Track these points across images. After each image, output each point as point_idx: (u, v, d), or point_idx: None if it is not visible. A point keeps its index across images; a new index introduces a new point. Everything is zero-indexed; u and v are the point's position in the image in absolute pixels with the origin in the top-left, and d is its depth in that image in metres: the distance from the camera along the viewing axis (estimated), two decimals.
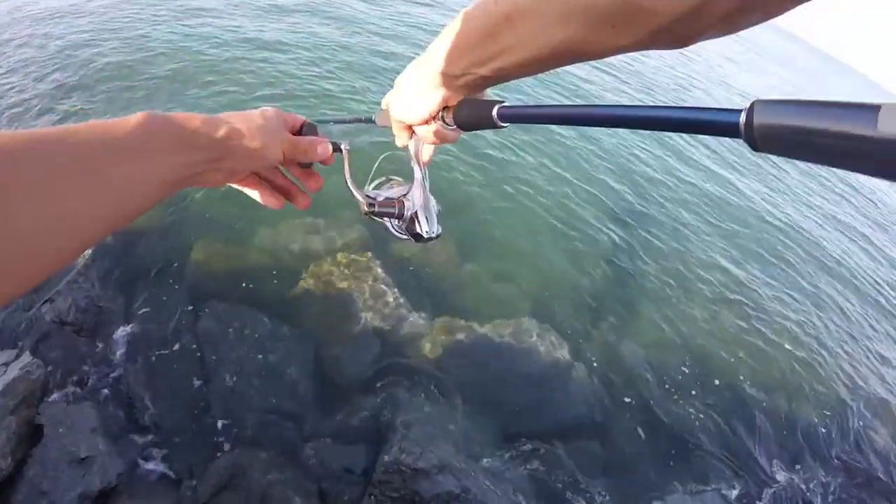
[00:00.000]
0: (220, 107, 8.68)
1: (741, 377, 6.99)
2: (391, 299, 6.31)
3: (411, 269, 6.77)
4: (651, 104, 0.72)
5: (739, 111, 0.53)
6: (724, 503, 5.53)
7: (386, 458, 4.56)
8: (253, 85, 9.46)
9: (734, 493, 5.68)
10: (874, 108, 0.42)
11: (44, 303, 5.71)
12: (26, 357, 4.88)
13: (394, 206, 1.17)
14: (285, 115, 1.05)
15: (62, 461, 4.47)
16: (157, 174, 0.74)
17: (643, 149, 11.98)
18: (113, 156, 0.68)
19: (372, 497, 4.48)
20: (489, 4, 0.78)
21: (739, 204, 11.45)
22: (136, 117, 0.74)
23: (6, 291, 0.59)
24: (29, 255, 0.59)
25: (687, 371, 6.72)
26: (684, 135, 13.04)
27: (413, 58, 1.02)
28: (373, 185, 1.25)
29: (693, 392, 6.51)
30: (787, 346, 7.81)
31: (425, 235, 1.18)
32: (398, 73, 1.05)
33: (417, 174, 1.17)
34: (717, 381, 6.78)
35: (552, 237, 8.02)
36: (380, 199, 1.18)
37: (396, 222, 1.20)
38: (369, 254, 6.64)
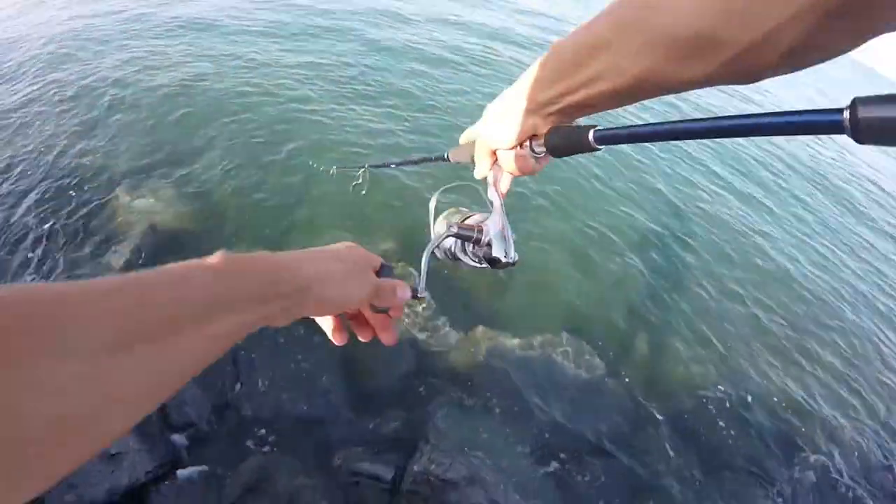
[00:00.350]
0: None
1: (777, 399, 6.63)
2: (425, 310, 6.23)
3: (446, 279, 6.68)
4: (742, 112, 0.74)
5: (841, 109, 0.59)
6: None
7: (415, 467, 4.44)
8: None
9: None
10: None
11: None
12: None
13: (472, 230, 1.20)
14: (368, 254, 1.05)
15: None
16: (234, 330, 0.65)
17: (688, 165, 11.79)
18: (193, 316, 0.60)
19: None
20: (578, 35, 0.83)
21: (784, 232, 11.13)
22: (214, 263, 0.67)
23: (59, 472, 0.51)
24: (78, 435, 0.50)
25: (722, 390, 6.43)
26: (725, 156, 13.02)
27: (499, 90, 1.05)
28: (443, 215, 1.31)
29: (728, 412, 6.20)
30: (828, 373, 7.45)
31: (503, 260, 1.19)
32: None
33: (497, 202, 1.20)
34: (751, 401, 6.46)
35: (589, 251, 7.85)
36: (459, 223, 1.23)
37: (473, 248, 1.24)
38: (403, 264, 6.59)
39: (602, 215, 8.79)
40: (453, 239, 1.24)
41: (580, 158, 9.78)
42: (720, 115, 0.75)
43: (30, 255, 6.46)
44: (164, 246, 6.53)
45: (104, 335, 0.50)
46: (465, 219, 1.27)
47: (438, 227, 1.25)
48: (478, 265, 1.25)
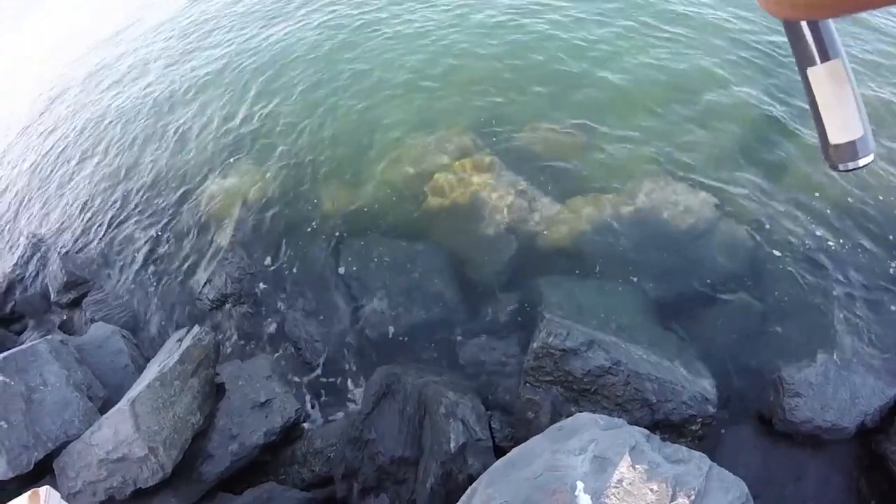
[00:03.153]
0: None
1: None
2: (514, 192, 6.08)
3: (532, 157, 6.48)
4: None
5: None
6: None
7: (535, 344, 4.38)
8: None
9: None
10: None
11: (203, 286, 6.20)
12: (196, 329, 5.26)
13: None
14: None
15: (245, 408, 4.80)
16: None
17: None
18: None
19: (527, 385, 4.34)
20: None
21: None
22: None
23: None
24: None
25: (847, 211, 5.59)
26: None
27: None
28: None
29: (855, 234, 5.42)
30: None
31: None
32: None
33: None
34: (886, 220, 5.57)
35: (673, 95, 7.17)
36: None
37: None
38: (486, 153, 6.47)
39: (686, 48, 7.99)
40: None
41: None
42: None
43: (148, 233, 7.10)
44: (258, 217, 6.80)
45: None
46: None
47: None
48: None
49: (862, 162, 0.94)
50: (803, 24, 0.91)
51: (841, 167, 0.94)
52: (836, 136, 0.93)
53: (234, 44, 11.00)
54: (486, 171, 6.30)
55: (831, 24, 0.91)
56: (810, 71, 0.93)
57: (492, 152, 6.53)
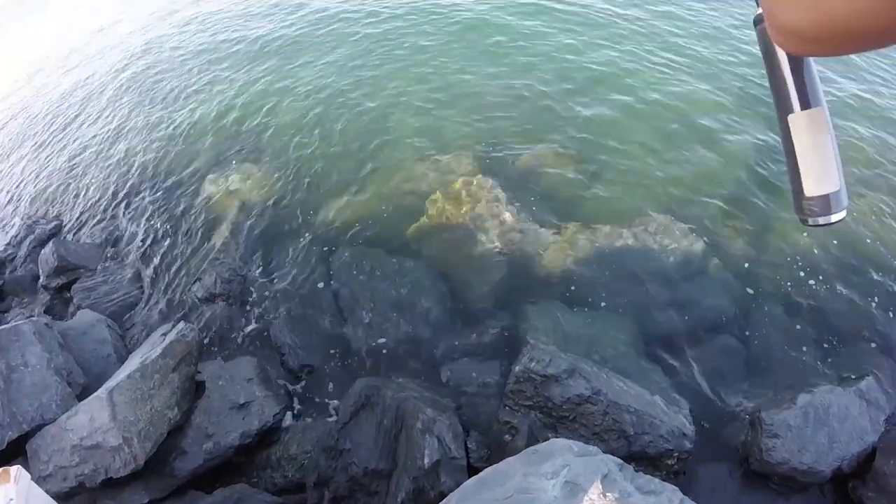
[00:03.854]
0: None
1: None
2: (512, 217, 6.12)
3: (528, 184, 6.55)
4: None
5: None
6: (880, 392, 4.63)
7: (516, 368, 4.40)
8: None
9: (892, 388, 4.75)
10: None
11: (193, 283, 6.21)
12: (182, 325, 5.26)
13: None
14: None
15: (224, 408, 4.79)
16: None
17: None
18: None
19: (506, 407, 4.37)
20: None
21: None
22: None
23: None
24: None
25: (831, 259, 5.70)
26: None
27: None
28: None
29: (837, 282, 5.49)
30: None
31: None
32: None
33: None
34: (867, 267, 5.65)
35: (676, 131, 7.26)
36: None
37: None
38: (484, 178, 6.51)
39: (688, 90, 8.10)
40: None
41: (650, 28, 9.08)
42: None
43: (142, 227, 7.18)
44: (254, 220, 6.84)
45: None
46: None
47: None
48: None
49: (834, 217, 0.92)
50: (786, 68, 0.91)
51: (811, 221, 0.93)
52: (811, 188, 0.92)
53: (242, 46, 11.10)
54: (481, 194, 6.34)
55: (815, 71, 0.91)
56: (791, 118, 0.92)
57: (489, 175, 6.58)
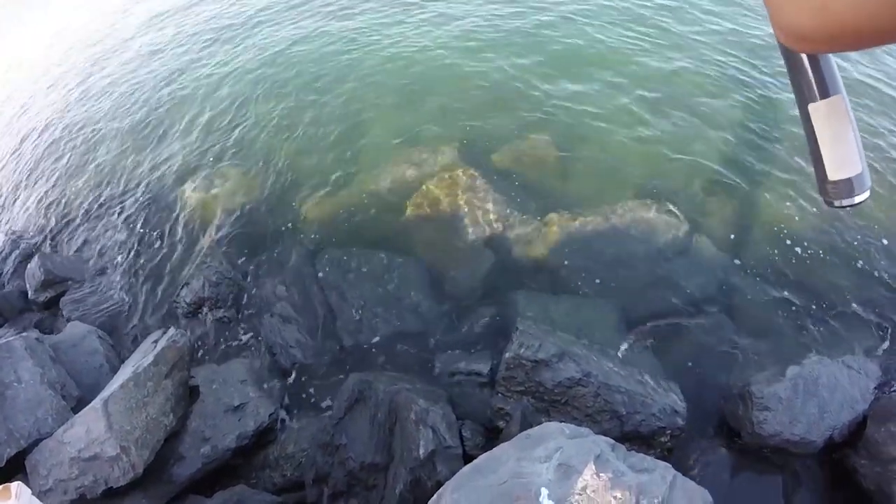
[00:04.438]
0: None
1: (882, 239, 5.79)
2: (495, 208, 6.16)
3: (512, 175, 6.56)
4: None
5: None
6: (868, 361, 4.69)
7: (507, 355, 4.44)
8: None
9: (879, 356, 4.82)
10: None
11: (181, 289, 6.20)
12: (172, 331, 5.27)
13: None
14: None
15: (219, 411, 4.81)
16: None
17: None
18: None
19: (499, 394, 4.41)
20: None
21: None
22: None
23: None
24: None
25: (815, 232, 5.72)
26: None
27: None
28: None
29: (821, 254, 5.55)
30: None
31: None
32: None
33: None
34: (850, 238, 5.72)
35: (655, 111, 7.26)
36: None
37: None
38: (466, 170, 6.54)
39: (657, 67, 8.10)
40: None
41: (619, 12, 9.08)
42: None
43: (128, 235, 7.20)
44: (238, 222, 6.85)
45: None
46: None
47: None
48: None
49: (858, 199, 0.96)
50: (805, 59, 0.92)
51: (836, 203, 0.96)
52: (834, 173, 0.95)
53: (229, 50, 11.04)
54: (466, 186, 6.37)
55: (833, 60, 0.93)
56: (811, 107, 0.94)
57: (473, 168, 6.60)
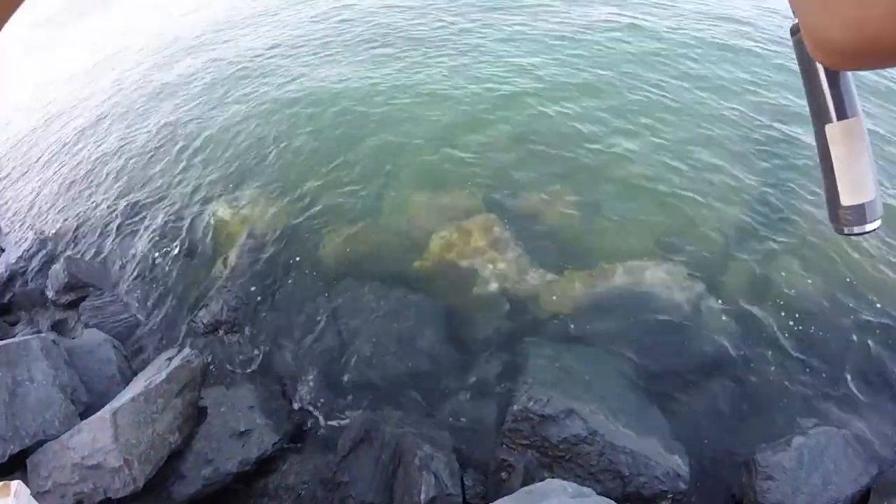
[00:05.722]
0: None
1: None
2: (514, 257, 6.24)
3: (533, 225, 6.67)
4: None
5: None
6: (874, 434, 4.68)
7: (515, 407, 4.49)
8: None
9: (885, 429, 4.80)
10: None
11: (199, 309, 6.29)
12: (187, 351, 5.35)
13: None
14: None
15: (224, 435, 4.85)
16: None
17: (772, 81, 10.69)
18: None
19: (503, 446, 4.44)
20: None
21: None
22: None
23: None
24: None
25: (826, 300, 5.80)
26: None
27: None
28: None
29: (833, 324, 5.58)
30: None
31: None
32: None
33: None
34: (862, 309, 5.73)
35: (675, 176, 7.34)
36: None
37: None
38: (487, 216, 6.65)
39: (686, 134, 8.19)
40: None
41: (651, 73, 9.26)
42: None
43: (153, 249, 7.35)
44: (261, 248, 6.99)
45: None
46: None
47: None
48: None
49: (869, 227, 0.92)
50: (823, 79, 0.91)
51: (847, 230, 0.93)
52: (847, 198, 0.92)
53: (268, 82, 11.32)
54: (486, 233, 6.47)
55: (852, 81, 0.91)
56: (828, 128, 0.92)
57: (494, 215, 6.72)
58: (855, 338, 5.46)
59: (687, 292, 5.83)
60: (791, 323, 5.59)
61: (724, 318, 5.65)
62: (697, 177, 7.28)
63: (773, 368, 5.26)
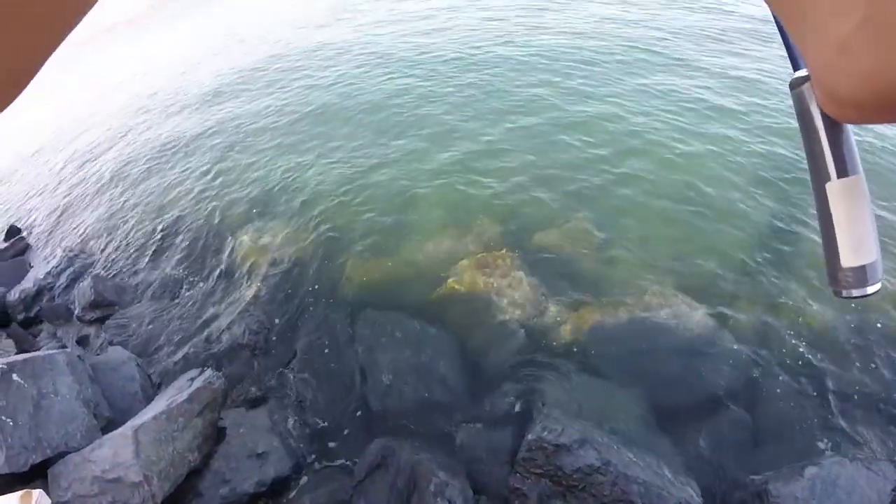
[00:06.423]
0: None
1: None
2: (530, 289, 6.31)
3: (548, 257, 6.74)
4: None
5: None
6: (887, 463, 4.64)
7: (529, 436, 4.52)
8: None
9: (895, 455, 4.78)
10: None
11: (223, 331, 6.42)
12: (209, 372, 5.46)
13: None
14: None
15: (242, 455, 4.91)
16: None
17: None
18: None
19: (517, 474, 4.44)
20: None
21: None
22: None
23: None
24: None
25: (838, 330, 5.80)
26: None
27: None
28: None
29: (844, 353, 5.56)
30: None
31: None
32: None
33: None
34: (873, 337, 5.71)
35: (690, 208, 7.42)
36: None
37: None
38: (506, 248, 6.75)
39: (699, 163, 8.29)
40: None
41: (666, 103, 9.40)
42: None
43: (179, 271, 7.46)
44: (283, 275, 7.13)
45: None
46: None
47: None
48: None
49: (870, 290, 0.87)
50: (824, 136, 0.87)
51: (845, 293, 0.88)
52: (848, 259, 0.87)
53: (287, 110, 11.63)
54: (504, 265, 6.57)
55: (853, 138, 0.87)
56: (828, 186, 0.88)
57: (513, 247, 6.82)
58: (867, 367, 5.47)
59: (699, 322, 5.87)
60: (802, 351, 5.60)
61: (735, 346, 5.67)
62: (712, 209, 7.35)
63: (784, 398, 5.25)
